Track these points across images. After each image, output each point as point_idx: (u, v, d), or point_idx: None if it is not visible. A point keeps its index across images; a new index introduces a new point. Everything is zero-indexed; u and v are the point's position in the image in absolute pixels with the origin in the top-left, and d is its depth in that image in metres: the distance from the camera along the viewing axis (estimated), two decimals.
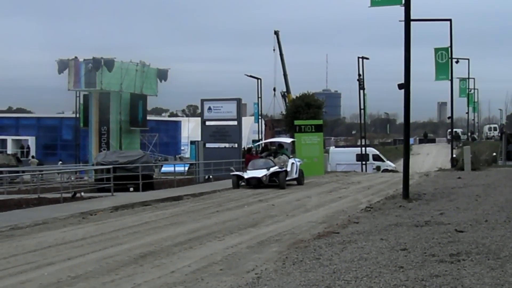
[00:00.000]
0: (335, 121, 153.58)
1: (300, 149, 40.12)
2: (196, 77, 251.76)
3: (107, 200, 24.30)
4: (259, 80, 58.17)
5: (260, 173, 29.67)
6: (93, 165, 34.32)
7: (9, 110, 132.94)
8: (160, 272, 10.91)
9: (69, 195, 25.73)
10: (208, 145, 40.51)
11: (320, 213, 19.37)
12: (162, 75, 49.70)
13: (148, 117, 55.28)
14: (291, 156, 34.27)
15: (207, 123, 42.42)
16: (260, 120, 61.69)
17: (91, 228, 16.96)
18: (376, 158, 57.03)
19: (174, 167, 39.29)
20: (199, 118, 48.09)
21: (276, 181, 29.53)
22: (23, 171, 36.09)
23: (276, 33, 78.55)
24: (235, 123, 41.63)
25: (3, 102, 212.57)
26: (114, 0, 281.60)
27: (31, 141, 72.99)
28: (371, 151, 59.49)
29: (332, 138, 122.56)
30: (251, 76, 58.71)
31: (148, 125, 53.71)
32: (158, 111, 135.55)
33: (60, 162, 57.69)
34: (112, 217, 19.65)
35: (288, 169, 30.76)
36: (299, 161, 32.96)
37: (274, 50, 79.24)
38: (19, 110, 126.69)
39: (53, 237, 15.41)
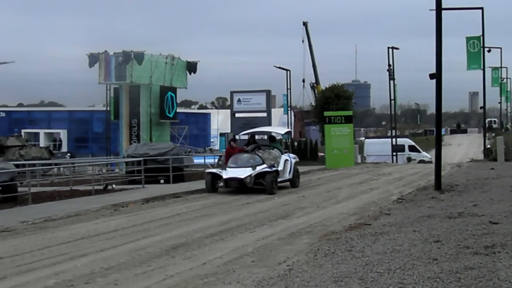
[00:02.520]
0: (364, 112, 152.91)
1: (330, 141, 40.03)
2: (226, 69, 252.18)
3: (138, 192, 24.43)
4: (288, 72, 57.93)
5: (243, 172, 23.52)
6: (124, 157, 34.46)
7: (41, 103, 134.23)
8: (192, 264, 10.94)
9: (101, 187, 25.91)
10: (237, 136, 40.51)
11: (351, 205, 19.29)
12: (191, 67, 49.76)
13: (178, 110, 55.39)
14: (284, 151, 27.05)
15: (237, 115, 42.47)
16: (289, 111, 61.51)
17: (123, 220, 17.08)
18: (412, 149, 56.47)
19: (204, 159, 39.31)
20: (229, 110, 48.23)
21: (263, 184, 23.59)
22: (56, 164, 36.38)
23: (305, 24, 78.37)
24: (265, 114, 41.63)
25: (36, 96, 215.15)
26: None
27: (63, 134, 73.57)
28: (407, 141, 58.89)
29: (362, 129, 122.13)
30: (280, 67, 58.52)
31: (178, 118, 53.80)
32: (187, 103, 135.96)
33: (69, 155, 58.03)
34: (143, 209, 19.76)
35: (280, 168, 25.03)
36: (294, 158, 27.03)
37: (303, 41, 79.13)
38: (51, 104, 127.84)
39: (86, 228, 15.53)
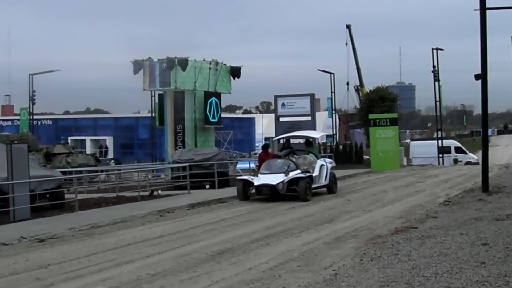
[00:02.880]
0: (410, 114, 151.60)
1: (375, 143, 39.78)
2: (269, 73, 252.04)
3: (184, 198, 24.54)
4: (332, 75, 57.83)
5: (275, 178, 22.52)
6: (169, 163, 34.68)
7: (87, 111, 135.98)
8: (238, 269, 10.94)
9: (147, 193, 26.09)
10: (282, 141, 40.46)
11: (397, 208, 19.12)
12: (235, 72, 49.84)
13: (222, 115, 55.54)
14: (320, 156, 26.59)
15: (281, 119, 42.47)
16: (334, 114, 61.29)
17: (169, 226, 17.16)
18: (458, 150, 55.78)
19: (249, 163, 39.36)
20: (273, 115, 48.18)
21: (296, 190, 22.53)
22: (102, 171, 36.78)
23: (348, 27, 78.08)
24: (309, 118, 41.56)
25: (82, 104, 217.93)
26: (187, 1, 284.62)
27: (109, 141, 74.44)
28: (453, 143, 58.22)
29: (408, 131, 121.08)
30: (323, 71, 58.42)
31: (223, 123, 53.93)
32: (232, 108, 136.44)
33: (113, 161, 58.55)
34: (189, 214, 19.84)
35: (315, 173, 23.90)
36: (330, 163, 25.91)
37: (346, 44, 78.86)
38: (97, 111, 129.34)
39: (132, 235, 15.64)
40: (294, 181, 22.51)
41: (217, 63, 47.92)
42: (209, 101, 47.05)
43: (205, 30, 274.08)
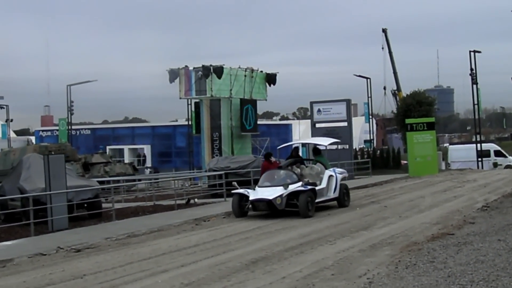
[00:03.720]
0: (448, 117, 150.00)
1: (413, 148, 39.44)
2: (306, 79, 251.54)
3: (220, 206, 24.56)
4: (368, 80, 57.62)
5: (273, 192, 20.15)
6: (206, 171, 34.79)
7: (125, 120, 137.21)
8: (271, 278, 10.90)
9: (183, 201, 26.17)
10: (319, 147, 40.36)
11: (434, 214, 18.92)
12: (271, 79, 49.81)
13: (259, 121, 55.56)
14: (329, 165, 23.63)
15: (317, 125, 42.28)
16: (371, 120, 60.96)
17: (204, 235, 17.18)
18: (497, 154, 55.01)
19: None
20: (310, 121, 48.00)
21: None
22: (140, 180, 37.03)
23: (384, 31, 77.70)
24: (345, 124, 41.30)
25: (120, 113, 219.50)
26: (221, 10, 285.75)
27: (146, 149, 74.89)
28: (492, 147, 57.39)
29: (446, 135, 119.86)
30: (360, 76, 58.23)
31: (259, 129, 53.87)
32: (269, 115, 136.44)
33: (149, 170, 58.78)
34: (224, 223, 19.84)
35: (322, 185, 21.67)
36: (341, 173, 23.20)
37: (382, 48, 78.49)
38: (134, 120, 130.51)
39: (167, 244, 15.69)
40: (295, 195, 20.18)
41: (252, 70, 47.94)
42: (245, 108, 47.08)
43: (240, 38, 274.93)
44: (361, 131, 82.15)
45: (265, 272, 11.48)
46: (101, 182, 29.31)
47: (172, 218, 21.08)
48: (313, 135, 42.34)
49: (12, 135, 78.22)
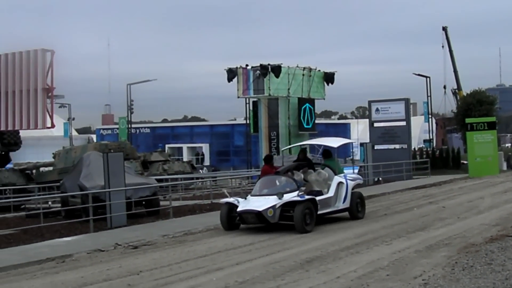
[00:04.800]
0: (510, 117, 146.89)
1: (473, 148, 38.82)
2: (364, 78, 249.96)
3: None
4: (427, 79, 56.80)
5: (265, 202, 17.25)
6: None
7: (185, 119, 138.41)
8: (326, 278, 10.87)
9: None
10: (376, 146, 40.08)
11: (493, 215, 18.59)
12: (329, 78, 49.64)
13: (317, 121, 55.46)
14: (342, 170, 20.84)
15: (375, 124, 41.97)
16: (430, 119, 60.14)
17: (260, 233, 17.19)
18: None
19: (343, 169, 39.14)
20: (368, 120, 47.69)
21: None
22: (197, 178, 37.32)
23: (445, 29, 76.45)
24: (404, 123, 40.89)
25: (179, 112, 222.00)
26: (280, 8, 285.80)
27: (205, 148, 75.47)
28: None
29: (508, 135, 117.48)
30: (419, 74, 57.49)
31: (317, 129, 53.75)
32: (327, 114, 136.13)
33: (205, 169, 59.10)
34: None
35: (330, 193, 18.96)
36: (353, 179, 20.09)
37: (442, 46, 77.23)
38: (193, 119, 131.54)
39: (223, 242, 15.77)
40: (292, 205, 17.21)
41: (310, 69, 47.86)
42: (303, 107, 47.03)
43: (298, 37, 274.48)
44: (421, 131, 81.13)
45: (319, 272, 11.45)
46: (159, 180, 29.64)
47: None
48: (371, 134, 42.08)
49: (74, 133, 79.63)
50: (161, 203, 23.98)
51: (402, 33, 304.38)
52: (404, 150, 40.17)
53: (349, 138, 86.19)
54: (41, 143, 64.21)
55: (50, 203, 28.35)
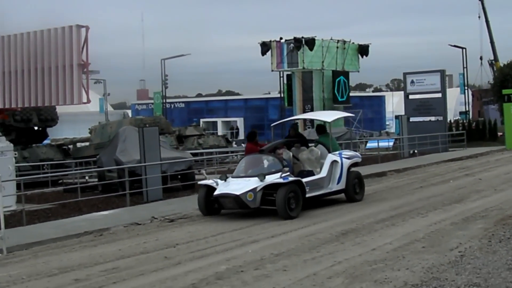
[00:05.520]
0: None
1: (510, 120, 38.35)
2: (399, 50, 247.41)
3: None
4: (463, 50, 56.05)
5: (245, 185, 15.45)
6: None
7: (219, 93, 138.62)
8: (361, 250, 10.88)
9: None
10: (412, 119, 39.73)
11: None
12: (363, 50, 49.32)
13: (352, 93, 55.15)
14: (337, 148, 18.55)
15: (411, 96, 41.57)
16: (466, 91, 59.48)
17: None
18: None
19: (378, 142, 38.96)
20: (403, 92, 47.37)
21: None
22: (232, 152, 37.43)
23: None
24: (439, 95, 40.43)
25: (213, 86, 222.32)
26: None
27: (239, 122, 75.60)
28: None
29: None
30: (455, 46, 56.75)
31: (352, 101, 53.55)
32: (362, 86, 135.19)
33: (234, 143, 59.25)
34: None
35: (322, 174, 17.04)
36: (349, 157, 18.00)
37: (479, 17, 76.02)
38: (228, 93, 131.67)
39: (257, 215, 15.80)
40: (275, 188, 15.29)
41: (344, 41, 47.57)
42: (337, 80, 46.84)
43: (332, 9, 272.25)
44: (456, 103, 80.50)
45: (355, 244, 11.47)
46: (194, 154, 29.80)
47: None
48: (406, 106, 41.72)
49: (109, 108, 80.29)
50: (196, 177, 24.09)
51: (437, 4, 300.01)
52: (440, 122, 39.76)
53: (384, 110, 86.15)
54: (77, 119, 64.93)
55: (87, 177, 28.67)
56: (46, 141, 38.28)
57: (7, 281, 10.17)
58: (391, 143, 44.89)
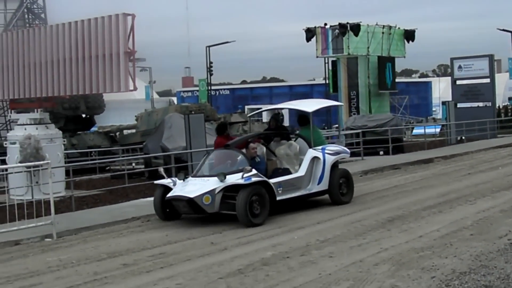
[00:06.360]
0: None
1: None
2: (445, 35, 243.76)
3: (357, 164, 24.45)
4: None
5: (201, 186, 13.31)
6: (343, 130, 34.70)
7: (264, 80, 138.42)
8: (408, 237, 10.82)
9: None
10: (459, 105, 39.21)
11: None
12: (409, 36, 48.77)
13: (398, 79, 54.67)
14: (322, 141, 16.00)
15: (458, 82, 41.03)
16: None
17: None
18: None
19: (425, 129, 38.63)
20: (450, 78, 46.79)
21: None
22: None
23: None
24: (488, 80, 39.83)
25: (258, 73, 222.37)
26: None
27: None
28: None
29: None
30: (503, 30, 55.81)
31: (398, 87, 53.08)
32: (408, 72, 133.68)
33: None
34: (361, 181, 19.76)
35: (299, 173, 14.75)
36: (334, 153, 15.43)
37: None
38: (272, 80, 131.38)
39: (304, 202, 15.77)
40: (237, 190, 13.16)
41: (390, 27, 47.10)
42: (383, 66, 46.42)
43: None
44: (505, 88, 79.03)
45: (401, 231, 11.40)
46: None
47: None
48: (453, 92, 41.21)
49: (155, 96, 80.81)
50: None
51: None
52: (488, 108, 39.18)
53: (431, 97, 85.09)
54: (123, 106, 65.45)
55: (133, 164, 29.00)
56: (93, 129, 38.82)
57: (57, 265, 10.36)
58: (438, 129, 44.46)
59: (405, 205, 14.34)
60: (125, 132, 38.01)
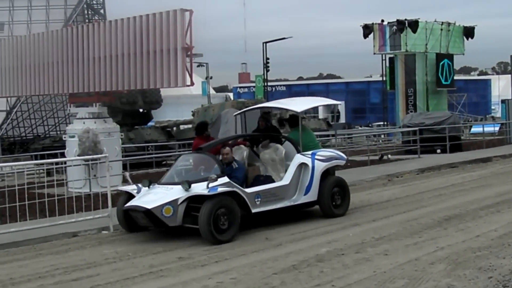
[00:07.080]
0: None
1: None
2: (506, 32, 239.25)
3: (414, 162, 24.20)
4: None
5: (162, 196, 11.67)
6: (400, 127, 34.41)
7: (320, 76, 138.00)
8: (464, 236, 10.68)
9: (376, 157, 26.08)
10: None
11: None
12: (468, 33, 48.13)
13: (456, 77, 53.94)
14: (318, 146, 14.56)
15: None
16: None
17: (397, 190, 17.09)
18: None
19: (483, 127, 38.00)
20: (510, 75, 45.98)
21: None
22: (332, 135, 37.28)
23: None
24: None
25: (315, 69, 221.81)
26: None
27: (341, 105, 75.13)
28: None
29: None
30: None
31: (456, 85, 52.37)
32: (466, 70, 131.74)
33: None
34: (417, 179, 19.59)
35: (284, 181, 12.88)
36: (326, 159, 13.56)
37: None
38: (329, 76, 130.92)
39: (359, 199, 15.71)
40: (197, 201, 11.48)
41: (449, 23, 46.49)
42: (441, 63, 45.89)
43: None
44: None
45: (458, 230, 11.26)
46: None
47: (364, 173, 21.09)
48: None
49: (212, 91, 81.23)
50: None
51: None
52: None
53: (490, 95, 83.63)
54: (180, 102, 66.02)
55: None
56: (150, 123, 39.23)
57: (114, 257, 10.52)
58: (497, 128, 43.69)
59: (462, 204, 14.15)
60: (182, 127, 38.34)
